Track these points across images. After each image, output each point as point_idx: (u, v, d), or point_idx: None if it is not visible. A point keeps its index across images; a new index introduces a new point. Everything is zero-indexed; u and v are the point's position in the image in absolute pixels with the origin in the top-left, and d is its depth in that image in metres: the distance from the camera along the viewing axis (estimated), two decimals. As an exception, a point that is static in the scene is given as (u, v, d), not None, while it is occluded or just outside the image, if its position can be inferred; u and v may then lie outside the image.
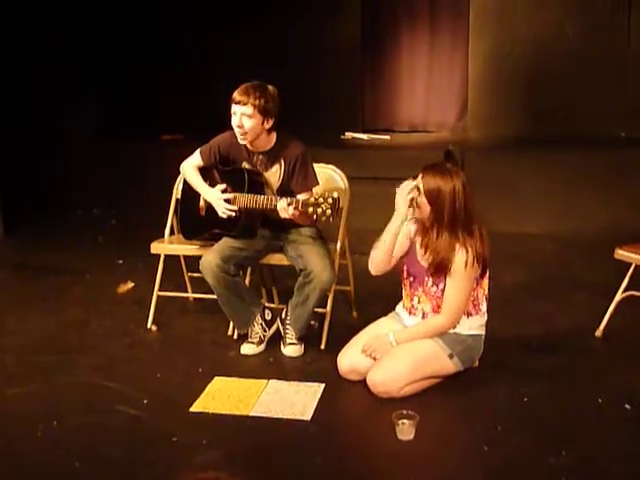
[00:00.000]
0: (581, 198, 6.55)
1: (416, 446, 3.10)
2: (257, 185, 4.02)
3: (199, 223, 4.26)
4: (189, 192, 4.28)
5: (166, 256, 4.49)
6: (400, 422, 3.13)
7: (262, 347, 4.15)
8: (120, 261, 5.98)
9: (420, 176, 3.53)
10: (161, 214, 4.63)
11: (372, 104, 8.80)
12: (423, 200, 3.50)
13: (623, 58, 7.59)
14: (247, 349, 4.13)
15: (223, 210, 4.02)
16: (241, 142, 4.02)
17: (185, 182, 4.33)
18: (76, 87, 7.79)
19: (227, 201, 4.02)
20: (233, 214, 4.01)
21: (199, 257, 4.12)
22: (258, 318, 4.16)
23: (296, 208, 3.75)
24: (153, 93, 8.27)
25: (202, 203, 4.21)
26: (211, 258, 4.01)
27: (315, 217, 3.70)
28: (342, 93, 8.30)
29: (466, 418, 3.41)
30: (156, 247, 4.46)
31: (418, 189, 3.50)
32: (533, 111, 7.80)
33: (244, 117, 3.91)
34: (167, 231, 4.57)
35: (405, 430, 3.13)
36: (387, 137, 8.21)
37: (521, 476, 2.92)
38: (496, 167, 6.70)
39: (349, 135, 8.11)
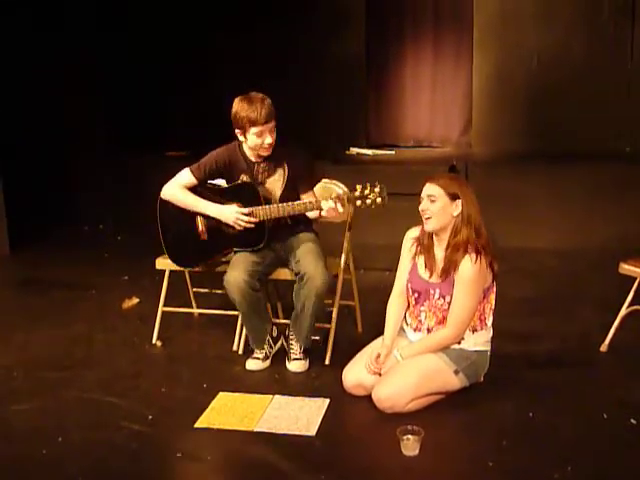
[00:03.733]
0: (586, 213, 6.55)
1: (421, 462, 3.09)
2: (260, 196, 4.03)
3: (201, 248, 4.17)
4: (177, 218, 4.15)
5: (171, 272, 4.50)
6: (405, 438, 3.12)
7: (267, 363, 4.15)
8: (125, 277, 5.99)
9: (434, 184, 3.53)
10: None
11: (377, 119, 8.81)
12: (450, 204, 3.50)
13: (627, 73, 7.60)
14: (252, 365, 4.13)
15: (243, 224, 3.97)
16: (263, 155, 4.02)
17: (166, 209, 4.17)
18: (82, 102, 7.83)
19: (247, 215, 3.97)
20: (252, 226, 3.98)
21: (203, 273, 4.13)
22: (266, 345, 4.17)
23: (343, 205, 3.83)
24: (159, 110, 8.30)
25: (201, 227, 4.13)
26: (237, 274, 3.95)
27: (364, 207, 3.83)
28: (347, 108, 8.32)
29: (471, 433, 3.40)
30: (161, 263, 4.47)
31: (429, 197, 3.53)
32: (537, 126, 7.81)
33: (270, 133, 3.94)
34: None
35: (410, 445, 3.12)
36: (392, 152, 8.22)
37: (526, 492, 2.92)
38: (500, 182, 6.70)
39: (354, 150, 8.12)
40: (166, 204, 4.18)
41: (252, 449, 3.26)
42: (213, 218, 4.08)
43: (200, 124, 7.82)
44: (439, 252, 3.60)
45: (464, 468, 3.12)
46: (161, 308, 4.55)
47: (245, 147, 4.07)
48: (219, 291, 4.89)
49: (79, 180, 7.98)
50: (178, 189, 4.11)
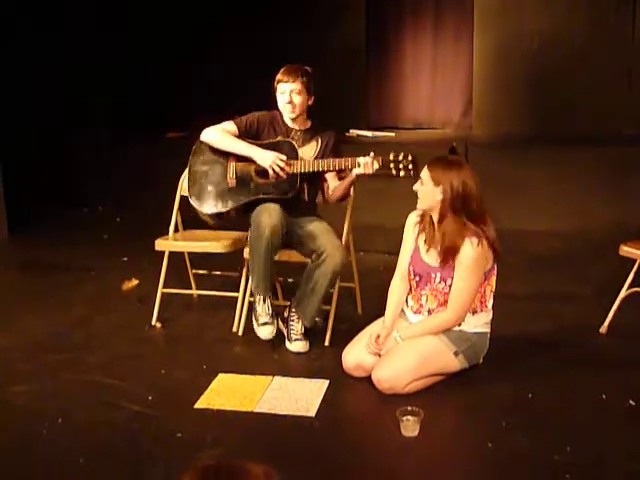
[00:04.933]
0: (586, 195, 6.54)
1: (420, 443, 3.10)
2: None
3: (227, 194, 4.17)
4: (209, 163, 4.21)
5: (170, 253, 4.50)
6: (404, 418, 3.13)
7: (275, 327, 4.09)
8: (125, 258, 5.99)
9: (426, 168, 3.55)
10: (166, 211, 4.65)
11: (377, 101, 8.80)
12: (434, 189, 3.51)
13: (628, 56, 7.57)
14: (266, 332, 4.06)
15: (277, 170, 4.01)
16: (290, 116, 4.18)
17: (199, 153, 4.23)
18: (81, 86, 7.80)
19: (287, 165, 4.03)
20: (284, 176, 4.03)
21: (203, 254, 4.11)
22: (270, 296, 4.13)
23: (379, 164, 3.94)
24: (157, 91, 8.27)
25: (231, 173, 4.17)
26: (274, 214, 3.94)
27: (395, 173, 3.93)
28: (347, 90, 8.28)
29: (471, 415, 3.42)
30: (160, 244, 4.47)
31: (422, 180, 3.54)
32: (537, 108, 7.78)
33: (293, 94, 4.13)
34: (171, 228, 4.58)
35: (409, 426, 3.13)
36: (392, 134, 8.21)
37: (526, 473, 2.92)
38: (500, 164, 6.69)
39: (354, 132, 8.11)
40: (199, 154, 4.24)
41: (252, 430, 3.27)
42: (246, 166, 4.14)
43: (200, 104, 7.80)
44: (437, 232, 3.61)
45: (463, 449, 3.14)
46: (160, 289, 4.55)
47: (285, 116, 4.23)
48: (218, 272, 4.93)
49: (78, 162, 7.95)
50: (220, 131, 4.17)
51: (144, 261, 5.59)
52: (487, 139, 7.78)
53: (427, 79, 8.80)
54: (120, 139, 7.91)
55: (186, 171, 4.35)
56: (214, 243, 4.40)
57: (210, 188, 4.20)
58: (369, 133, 8.10)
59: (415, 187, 3.60)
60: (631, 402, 3.40)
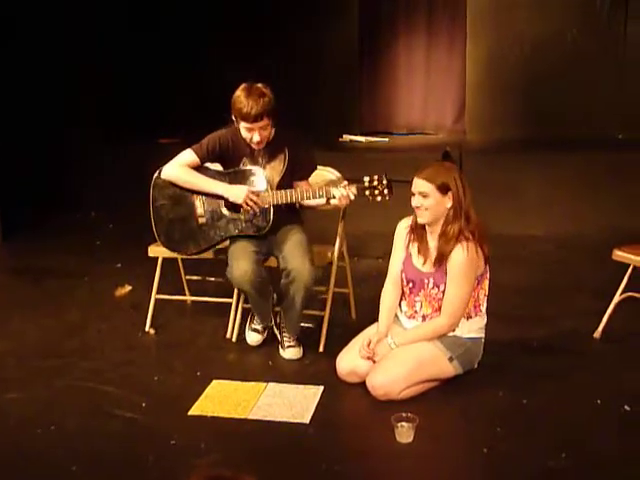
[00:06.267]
0: (580, 200, 6.55)
1: (415, 449, 3.09)
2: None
3: (198, 232, 4.07)
4: (174, 200, 4.08)
5: (164, 259, 4.48)
6: (399, 425, 3.12)
7: (264, 335, 4.22)
8: (118, 264, 5.97)
9: (423, 180, 3.52)
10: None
11: (370, 106, 8.80)
12: (443, 199, 3.50)
13: (620, 60, 7.60)
14: (254, 338, 4.21)
15: (251, 205, 3.90)
16: (255, 148, 3.98)
17: (161, 191, 4.09)
18: (75, 91, 7.79)
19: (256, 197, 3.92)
20: (258, 210, 3.93)
21: (196, 260, 4.10)
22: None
23: (354, 194, 3.85)
24: (150, 97, 8.27)
25: (200, 209, 4.05)
26: (243, 264, 3.87)
27: (371, 200, 3.86)
28: (340, 95, 8.30)
29: (465, 420, 3.41)
30: (154, 250, 4.44)
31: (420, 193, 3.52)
32: (531, 113, 7.81)
33: (261, 130, 3.89)
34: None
35: (404, 433, 3.12)
36: (385, 139, 8.22)
37: (521, 479, 2.91)
38: (494, 169, 6.69)
39: (347, 137, 8.11)
40: (161, 187, 4.09)
41: (246, 437, 3.26)
42: (214, 200, 4.03)
43: (193, 110, 7.80)
44: (432, 241, 3.61)
45: (459, 455, 3.13)
46: (154, 296, 4.53)
47: None
48: (212, 278, 4.92)
49: (71, 168, 7.92)
50: (181, 168, 4.02)
51: (137, 267, 5.56)
52: (480, 144, 7.80)
53: (420, 84, 8.81)
54: (113, 145, 7.89)
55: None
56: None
57: (178, 226, 4.10)
58: (362, 138, 8.11)
59: (416, 203, 3.54)
60: (626, 407, 3.40)
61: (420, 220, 3.57)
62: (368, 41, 8.62)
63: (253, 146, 3.98)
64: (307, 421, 3.35)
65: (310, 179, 4.17)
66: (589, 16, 7.63)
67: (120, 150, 7.79)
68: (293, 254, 3.93)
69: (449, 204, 3.50)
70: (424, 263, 3.62)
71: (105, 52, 7.96)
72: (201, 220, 4.07)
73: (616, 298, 4.24)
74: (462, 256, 3.47)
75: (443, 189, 3.49)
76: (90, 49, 7.84)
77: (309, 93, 7.98)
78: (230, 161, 4.06)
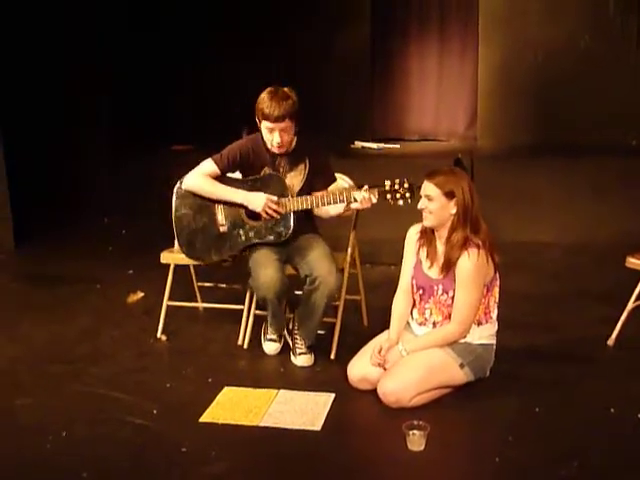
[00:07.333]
0: (592, 206, 6.52)
1: (427, 457, 3.08)
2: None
3: (220, 241, 4.07)
4: (196, 210, 4.09)
5: (176, 266, 4.49)
6: (411, 433, 3.11)
7: (280, 344, 4.22)
8: (130, 271, 5.98)
9: (431, 183, 3.52)
10: (171, 224, 4.62)
11: (382, 113, 8.78)
12: (448, 204, 3.50)
13: (633, 66, 7.56)
14: (272, 347, 4.21)
15: (271, 212, 3.92)
16: (276, 151, 3.99)
17: (183, 202, 4.11)
18: (87, 97, 7.82)
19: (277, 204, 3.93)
20: (278, 216, 3.94)
21: (207, 266, 4.09)
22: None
23: (376, 197, 3.82)
24: (164, 103, 8.28)
25: (221, 217, 4.06)
26: (271, 274, 3.85)
27: (393, 204, 3.82)
28: (352, 102, 8.29)
29: (477, 429, 3.39)
30: (166, 257, 4.46)
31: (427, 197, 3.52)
32: (543, 119, 7.77)
33: (282, 132, 3.90)
34: (177, 241, 4.56)
35: (416, 441, 3.11)
36: (397, 146, 8.20)
37: (533, 487, 2.91)
38: (506, 175, 6.68)
39: (358, 144, 8.09)
40: (183, 197, 4.11)
41: (257, 444, 3.26)
42: (235, 208, 4.03)
43: (206, 117, 7.82)
44: (440, 245, 3.61)
45: (470, 463, 3.11)
46: (166, 302, 4.54)
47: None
48: (224, 285, 4.92)
49: (84, 174, 7.96)
50: (203, 178, 4.03)
51: (149, 274, 5.57)
52: (492, 150, 7.77)
53: (432, 90, 8.78)
54: (126, 151, 7.91)
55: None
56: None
57: (200, 236, 4.11)
58: (374, 145, 8.09)
59: (421, 205, 3.55)
60: (639, 415, 3.37)
61: (425, 223, 3.59)
62: (380, 47, 8.61)
63: (273, 150, 3.98)
64: (318, 428, 3.34)
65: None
66: (602, 22, 7.60)
67: (134, 157, 7.80)
68: (319, 261, 3.93)
69: (453, 210, 3.50)
70: (431, 267, 3.61)
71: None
72: (222, 229, 4.08)
73: (630, 305, 4.21)
74: (469, 263, 3.47)
75: (449, 195, 3.50)
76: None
77: (321, 99, 7.97)
78: (251, 170, 4.07)
